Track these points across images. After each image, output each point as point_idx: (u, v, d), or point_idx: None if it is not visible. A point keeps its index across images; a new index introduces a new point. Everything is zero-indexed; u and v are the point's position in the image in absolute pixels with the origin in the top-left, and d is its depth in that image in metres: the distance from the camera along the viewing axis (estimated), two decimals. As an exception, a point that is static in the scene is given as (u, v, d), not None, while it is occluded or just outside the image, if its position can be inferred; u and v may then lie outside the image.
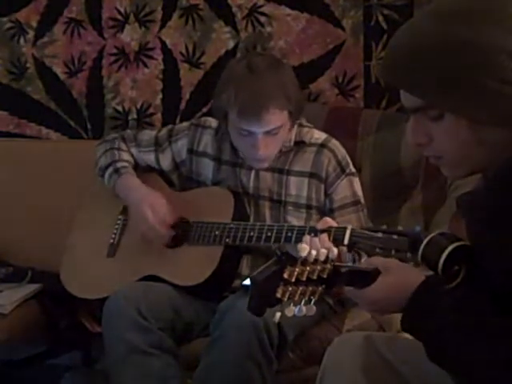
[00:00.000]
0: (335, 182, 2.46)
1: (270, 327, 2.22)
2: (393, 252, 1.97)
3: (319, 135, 2.52)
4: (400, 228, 2.04)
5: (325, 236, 2.15)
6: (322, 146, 2.49)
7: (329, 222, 2.23)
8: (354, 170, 2.51)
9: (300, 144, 2.50)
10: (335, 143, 2.51)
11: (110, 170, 2.59)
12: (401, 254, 1.95)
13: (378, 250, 2.02)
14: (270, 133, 2.37)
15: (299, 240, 2.21)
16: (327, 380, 1.66)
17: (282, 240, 2.30)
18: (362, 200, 2.49)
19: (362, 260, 2.11)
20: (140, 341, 2.30)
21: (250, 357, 2.23)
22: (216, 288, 2.44)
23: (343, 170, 2.47)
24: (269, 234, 2.33)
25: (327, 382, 1.66)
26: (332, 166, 2.47)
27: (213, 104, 2.50)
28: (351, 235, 2.12)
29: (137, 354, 2.29)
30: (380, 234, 2.05)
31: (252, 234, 2.35)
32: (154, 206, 2.48)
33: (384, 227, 2.07)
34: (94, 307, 2.53)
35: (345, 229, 2.13)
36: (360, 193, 2.49)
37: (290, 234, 2.28)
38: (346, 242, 2.12)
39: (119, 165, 2.59)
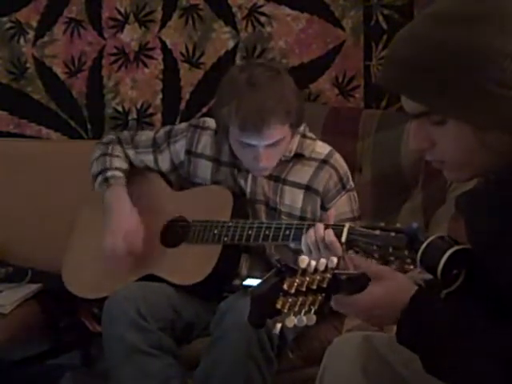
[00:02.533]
0: (335, 198, 2.45)
1: (270, 327, 2.22)
2: (390, 250, 1.98)
3: (321, 149, 2.49)
4: (398, 225, 2.05)
5: (330, 230, 2.14)
6: (324, 161, 2.47)
7: (330, 217, 2.23)
8: (353, 184, 2.50)
9: (300, 156, 2.48)
10: (337, 159, 2.49)
11: (100, 178, 2.57)
12: (398, 251, 1.95)
13: (375, 247, 2.02)
14: (271, 145, 2.36)
15: (297, 238, 2.21)
16: (327, 380, 1.66)
17: (280, 238, 2.30)
18: (358, 215, 2.48)
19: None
20: (140, 341, 2.30)
21: (250, 357, 2.23)
22: (215, 287, 2.44)
23: (344, 187, 2.46)
24: (267, 232, 2.33)
25: (327, 382, 1.66)
26: (333, 181, 2.45)
27: (213, 115, 2.48)
28: (349, 233, 2.12)
29: (137, 355, 2.29)
30: (378, 232, 2.05)
31: (250, 232, 2.35)
32: (127, 237, 2.46)
33: (382, 224, 2.08)
34: (94, 307, 2.53)
35: (342, 226, 2.14)
36: (357, 207, 2.48)
37: (287, 233, 2.28)
38: (343, 239, 2.12)
39: (109, 174, 2.57)
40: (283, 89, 2.35)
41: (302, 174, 2.47)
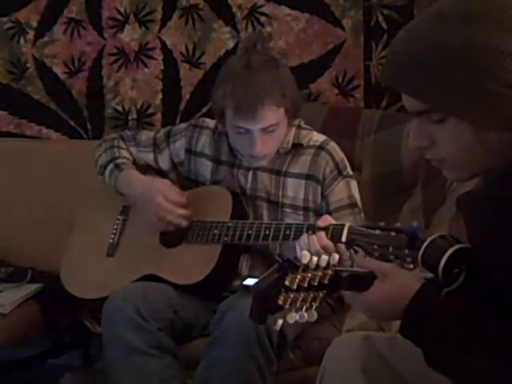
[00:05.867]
0: (332, 184, 2.46)
1: (269, 327, 2.22)
2: (390, 249, 1.98)
3: (317, 137, 2.52)
4: (398, 225, 2.05)
5: (322, 233, 2.15)
6: (320, 148, 2.49)
7: (329, 219, 2.24)
8: (351, 172, 2.50)
9: (298, 146, 2.49)
10: (333, 146, 2.50)
11: (111, 166, 2.59)
12: (398, 251, 1.95)
13: (375, 247, 2.02)
14: (266, 130, 2.37)
15: (297, 238, 2.21)
16: (327, 380, 1.66)
17: (280, 238, 2.30)
18: (359, 203, 2.48)
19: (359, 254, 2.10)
20: (139, 341, 2.30)
21: (250, 356, 2.23)
22: (215, 287, 2.44)
23: (340, 172, 2.47)
24: (267, 232, 2.33)
25: (327, 382, 1.66)
26: (329, 167, 2.46)
27: (211, 101, 2.51)
28: (349, 232, 2.12)
29: (136, 355, 2.29)
30: (378, 231, 2.05)
31: (250, 232, 2.36)
32: (162, 190, 2.48)
33: (382, 224, 2.08)
34: (94, 307, 2.53)
35: (343, 226, 2.14)
36: (357, 196, 2.49)
37: (288, 232, 2.28)
38: (343, 239, 2.13)
39: (119, 161, 2.59)
40: (279, 73, 2.38)
41: (302, 163, 2.48)
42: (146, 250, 2.51)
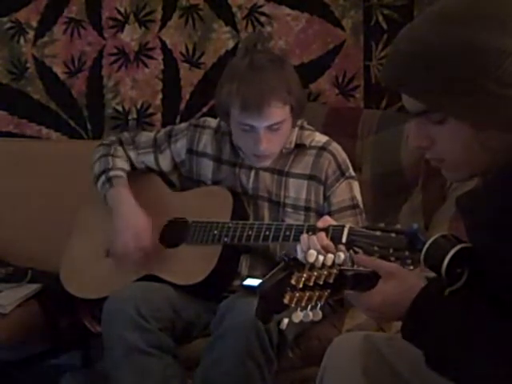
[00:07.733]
0: (334, 185, 2.46)
1: (270, 327, 2.22)
2: (391, 250, 1.98)
3: (320, 138, 2.52)
4: (398, 226, 2.05)
5: (322, 234, 2.15)
6: (323, 148, 2.49)
7: (329, 220, 2.24)
8: (353, 173, 2.51)
9: (300, 147, 2.50)
10: (336, 146, 2.51)
11: (103, 178, 2.58)
12: (399, 252, 1.95)
13: (375, 248, 2.02)
14: (271, 128, 2.37)
15: (297, 239, 2.21)
16: (327, 380, 1.66)
17: (280, 239, 2.30)
18: (361, 204, 2.48)
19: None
20: (139, 341, 2.30)
21: (251, 356, 2.23)
22: (215, 287, 2.44)
23: (343, 173, 2.47)
24: (267, 232, 2.33)
25: (327, 382, 1.66)
26: (332, 168, 2.46)
27: (215, 100, 2.51)
28: (349, 233, 2.12)
29: (136, 355, 2.29)
30: (378, 233, 2.05)
31: (250, 232, 2.36)
32: (137, 235, 2.47)
33: (382, 225, 2.08)
34: (94, 307, 2.53)
35: (343, 227, 2.14)
36: (359, 197, 2.49)
37: (288, 233, 2.28)
38: (343, 240, 2.12)
39: (112, 174, 2.57)
40: (284, 71, 2.39)
41: (304, 163, 2.48)
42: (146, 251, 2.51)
